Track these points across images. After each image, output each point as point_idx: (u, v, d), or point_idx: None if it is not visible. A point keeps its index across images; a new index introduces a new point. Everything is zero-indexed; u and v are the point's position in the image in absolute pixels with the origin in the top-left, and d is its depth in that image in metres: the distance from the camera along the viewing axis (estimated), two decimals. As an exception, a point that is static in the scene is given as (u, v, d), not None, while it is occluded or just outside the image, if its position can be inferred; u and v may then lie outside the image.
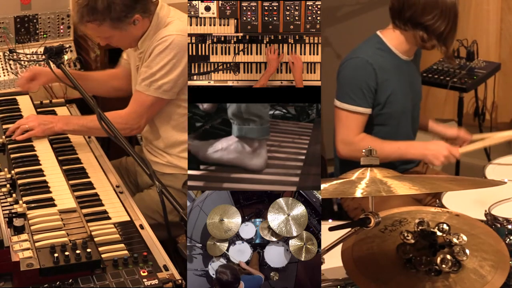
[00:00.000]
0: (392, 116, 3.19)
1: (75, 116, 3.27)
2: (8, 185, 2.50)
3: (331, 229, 2.22)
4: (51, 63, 3.08)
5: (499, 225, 2.63)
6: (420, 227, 2.36)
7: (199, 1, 2.97)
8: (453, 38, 3.15)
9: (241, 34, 3.00)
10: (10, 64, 3.57)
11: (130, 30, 2.91)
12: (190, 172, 2.51)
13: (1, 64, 3.56)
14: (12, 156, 2.78)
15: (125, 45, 3.05)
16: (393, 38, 3.17)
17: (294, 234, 2.24)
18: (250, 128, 2.50)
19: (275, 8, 2.96)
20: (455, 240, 2.30)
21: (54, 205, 2.42)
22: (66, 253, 2.08)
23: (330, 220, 2.92)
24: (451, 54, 3.23)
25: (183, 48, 2.88)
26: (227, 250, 2.26)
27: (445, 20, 3.06)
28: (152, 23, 2.93)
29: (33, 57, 3.56)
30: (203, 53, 3.01)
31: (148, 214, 2.69)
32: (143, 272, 2.10)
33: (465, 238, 2.31)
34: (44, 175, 2.63)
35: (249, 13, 2.97)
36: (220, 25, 2.99)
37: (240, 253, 2.26)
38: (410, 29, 3.10)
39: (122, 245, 2.22)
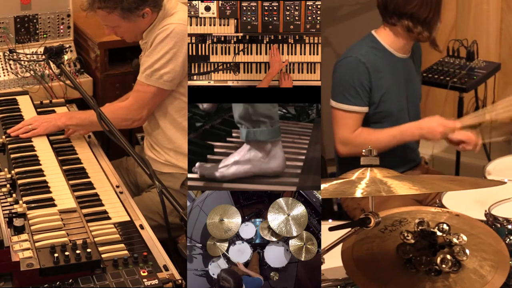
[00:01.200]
0: (388, 114, 3.19)
1: (77, 111, 3.27)
2: (8, 185, 2.50)
3: (331, 229, 2.22)
4: (51, 63, 3.08)
5: (499, 225, 2.63)
6: (420, 227, 2.36)
7: (199, 1, 2.96)
8: (436, 23, 3.17)
9: (241, 34, 2.99)
10: (10, 64, 3.57)
11: (138, 23, 2.94)
12: (190, 175, 2.50)
13: (1, 64, 3.56)
14: (12, 156, 2.78)
15: (130, 37, 3.07)
16: (386, 36, 3.19)
17: (294, 234, 2.23)
18: (260, 131, 2.43)
19: (275, 8, 2.96)
20: (455, 240, 2.30)
21: (54, 205, 2.42)
22: (66, 253, 2.08)
23: (330, 220, 2.92)
24: (434, 39, 3.23)
25: (184, 38, 2.91)
26: (227, 250, 2.26)
27: (428, 7, 3.09)
28: (159, 15, 2.98)
29: (33, 57, 3.56)
30: (203, 53, 3.00)
31: (148, 216, 2.69)
32: (143, 272, 2.10)
33: (465, 238, 2.31)
34: (44, 175, 2.63)
35: (249, 13, 2.96)
36: (220, 25, 2.99)
37: (240, 253, 2.26)
38: (397, 22, 3.12)
39: (122, 245, 2.22)
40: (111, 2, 2.87)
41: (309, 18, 2.97)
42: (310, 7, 2.96)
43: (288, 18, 2.97)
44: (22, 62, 3.55)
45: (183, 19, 2.95)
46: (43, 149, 2.86)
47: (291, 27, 2.98)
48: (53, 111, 3.26)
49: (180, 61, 2.93)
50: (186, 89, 2.99)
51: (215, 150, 2.77)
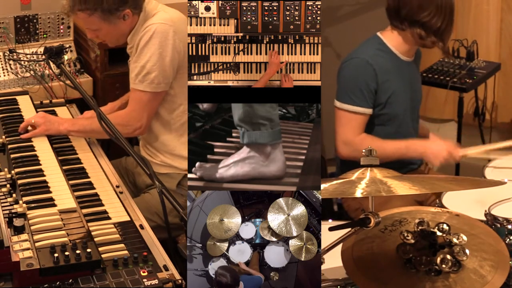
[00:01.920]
0: (393, 116, 3.19)
1: (80, 117, 3.27)
2: (8, 185, 2.50)
3: (331, 229, 2.22)
4: (51, 63, 3.08)
5: (499, 225, 2.63)
6: (420, 227, 2.36)
7: (199, 1, 2.97)
8: (450, 33, 3.16)
9: (241, 34, 3.00)
10: (10, 64, 3.57)
11: (118, 25, 2.94)
12: (190, 175, 2.49)
13: (1, 64, 3.56)
14: (12, 156, 2.77)
15: (112, 40, 3.06)
16: (392, 39, 3.18)
17: (294, 234, 2.24)
18: (260, 133, 2.42)
19: (275, 8, 2.96)
20: (455, 240, 2.30)
21: (54, 205, 2.42)
22: (66, 253, 2.08)
23: (330, 220, 2.92)
24: (448, 49, 3.23)
25: (168, 37, 2.90)
26: (227, 250, 2.26)
27: (441, 16, 3.08)
28: (140, 18, 2.97)
29: (33, 57, 3.56)
30: (203, 53, 3.00)
31: (147, 217, 2.69)
32: (143, 272, 2.10)
33: (465, 238, 2.31)
34: (44, 175, 2.63)
35: (249, 13, 2.97)
36: (220, 25, 2.99)
37: (240, 253, 2.26)
38: (407, 28, 3.11)
39: (122, 245, 2.22)
40: (90, 3, 2.87)
41: (309, 18, 2.97)
42: (310, 7, 2.97)
43: (288, 18, 2.97)
44: (22, 62, 3.55)
45: (165, 19, 2.94)
46: (43, 149, 2.86)
47: (291, 27, 2.98)
48: (53, 111, 3.26)
49: (167, 60, 2.91)
50: (176, 90, 2.98)
51: (215, 150, 2.77)
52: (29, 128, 2.97)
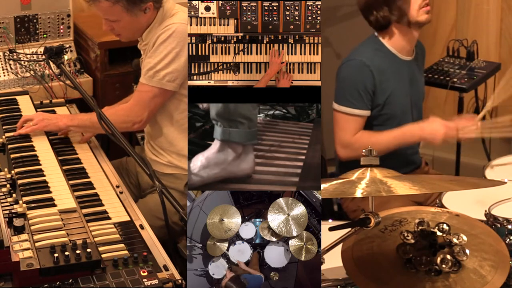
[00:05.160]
0: (391, 116, 3.19)
1: (79, 113, 3.27)
2: (8, 185, 2.50)
3: (331, 229, 2.22)
4: (51, 63, 3.08)
5: (499, 225, 2.63)
6: (420, 227, 2.36)
7: (199, 1, 2.97)
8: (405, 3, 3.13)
9: (241, 34, 2.99)
10: (10, 64, 3.57)
11: (139, 18, 2.95)
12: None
13: (1, 64, 3.56)
14: (12, 156, 2.78)
15: (127, 34, 3.05)
16: (388, 38, 3.18)
17: (294, 234, 2.23)
18: (237, 131, 2.37)
19: (275, 8, 2.96)
20: (455, 240, 2.30)
21: (54, 205, 2.42)
22: (66, 253, 2.08)
23: (330, 220, 2.93)
24: (414, 20, 3.16)
25: (186, 37, 2.91)
26: (227, 250, 2.26)
27: None
28: (158, 15, 2.98)
29: (33, 57, 3.56)
30: (203, 53, 3.00)
31: (157, 216, 2.69)
32: (143, 272, 2.10)
33: (465, 238, 2.31)
34: (44, 175, 2.63)
35: (249, 13, 2.96)
36: (220, 25, 2.99)
37: (240, 253, 2.26)
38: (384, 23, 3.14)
39: (122, 245, 2.22)
40: None
41: (309, 18, 2.97)
42: (310, 7, 2.96)
43: (288, 18, 2.97)
44: (22, 62, 3.55)
45: (185, 19, 2.96)
46: (43, 149, 2.86)
47: (291, 27, 2.97)
48: (53, 111, 3.26)
49: (183, 61, 2.93)
50: None
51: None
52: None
